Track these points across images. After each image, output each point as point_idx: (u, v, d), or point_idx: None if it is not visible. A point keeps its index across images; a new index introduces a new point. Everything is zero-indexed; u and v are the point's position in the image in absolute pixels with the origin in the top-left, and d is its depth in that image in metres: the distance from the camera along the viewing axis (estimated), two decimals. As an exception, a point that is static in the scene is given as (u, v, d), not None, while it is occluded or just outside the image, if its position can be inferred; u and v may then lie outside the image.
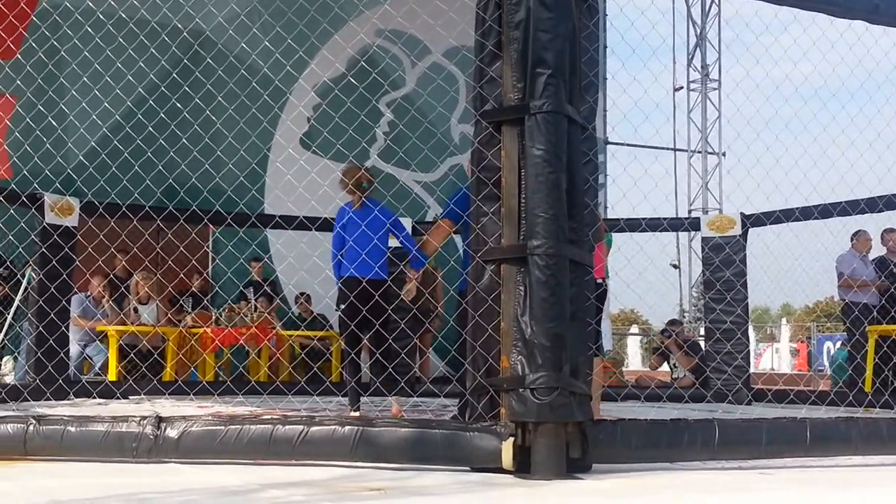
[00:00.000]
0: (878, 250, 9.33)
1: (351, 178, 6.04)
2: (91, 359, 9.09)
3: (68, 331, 7.98)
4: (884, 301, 8.64)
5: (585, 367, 3.73)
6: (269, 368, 9.39)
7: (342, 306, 5.94)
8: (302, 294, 10.33)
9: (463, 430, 3.62)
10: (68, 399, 7.36)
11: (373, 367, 6.17)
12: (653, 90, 5.12)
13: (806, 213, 8.25)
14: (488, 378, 3.69)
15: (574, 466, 3.54)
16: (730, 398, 8.54)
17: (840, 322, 9.50)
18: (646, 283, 6.98)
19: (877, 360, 8.41)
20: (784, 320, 26.68)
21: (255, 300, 9.80)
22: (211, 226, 9.80)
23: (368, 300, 5.60)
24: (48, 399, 7.02)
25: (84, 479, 3.37)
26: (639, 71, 5.08)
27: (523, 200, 3.66)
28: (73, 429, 3.71)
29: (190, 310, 9.52)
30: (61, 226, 7.65)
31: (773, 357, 21.71)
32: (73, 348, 8.53)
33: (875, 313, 8.88)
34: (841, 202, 7.88)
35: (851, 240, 9.13)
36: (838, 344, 12.18)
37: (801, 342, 22.06)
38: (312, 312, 10.27)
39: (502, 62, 3.80)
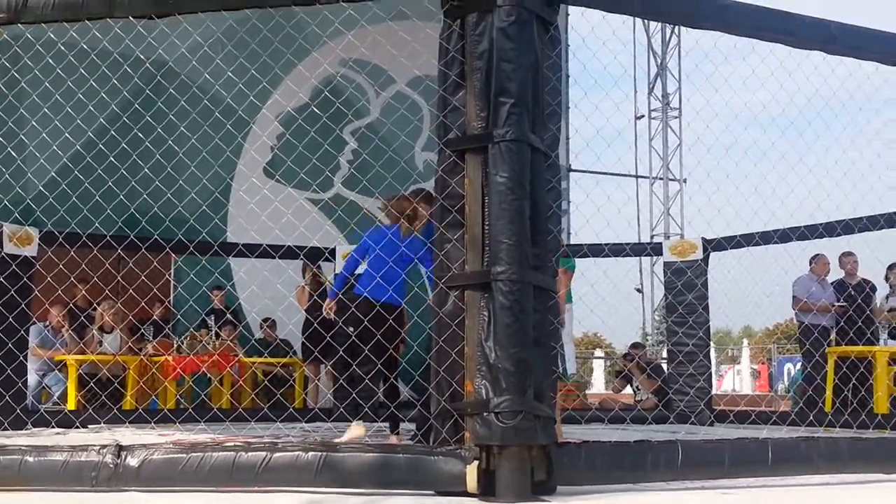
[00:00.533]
0: (836, 273, 9.51)
1: (401, 208, 6.08)
2: (50, 388, 8.96)
3: (26, 361, 7.87)
4: (842, 323, 8.78)
5: (549, 390, 3.75)
6: (231, 396, 9.31)
7: (352, 328, 5.86)
8: (266, 320, 10.32)
9: (427, 454, 3.61)
10: (26, 429, 7.24)
11: (337, 392, 6.20)
12: (615, 118, 5.17)
13: (766, 238, 8.38)
14: (453, 402, 3.69)
15: (539, 489, 3.55)
16: (692, 419, 8.63)
17: (799, 344, 9.62)
18: (609, 307, 7.01)
19: (836, 380, 8.54)
20: (745, 342, 26.98)
21: (218, 328, 9.74)
22: (173, 254, 9.73)
23: (392, 326, 5.64)
24: (6, 429, 6.89)
25: (42, 509, 3.32)
26: (601, 100, 5.15)
27: (487, 227, 3.68)
28: (31, 458, 3.64)
29: (151, 338, 9.44)
30: (20, 255, 7.57)
31: (735, 378, 21.92)
32: (32, 378, 8.41)
33: (834, 335, 9.03)
34: (800, 227, 8.01)
35: (810, 263, 9.29)
36: (798, 365, 12.33)
37: (762, 363, 22.28)
38: (276, 338, 10.25)
39: (466, 91, 3.83)
